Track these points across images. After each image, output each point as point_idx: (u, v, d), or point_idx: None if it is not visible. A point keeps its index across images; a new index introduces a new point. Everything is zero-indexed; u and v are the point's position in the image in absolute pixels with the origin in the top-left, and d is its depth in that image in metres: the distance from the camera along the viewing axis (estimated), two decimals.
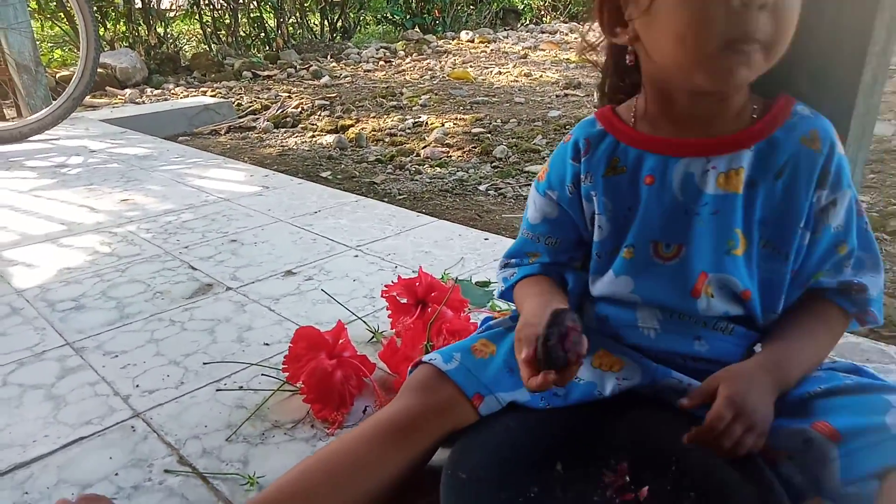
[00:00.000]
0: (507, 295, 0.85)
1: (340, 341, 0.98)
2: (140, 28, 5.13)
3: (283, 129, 3.51)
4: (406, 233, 1.62)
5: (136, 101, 3.99)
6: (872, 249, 0.72)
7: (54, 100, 2.88)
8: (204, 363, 1.05)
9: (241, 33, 5.76)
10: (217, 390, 0.98)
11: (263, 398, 0.95)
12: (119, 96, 4.11)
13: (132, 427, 0.91)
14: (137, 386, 1.00)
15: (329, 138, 3.24)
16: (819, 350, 0.72)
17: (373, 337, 1.12)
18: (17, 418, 0.93)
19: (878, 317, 0.73)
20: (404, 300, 1.10)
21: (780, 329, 0.72)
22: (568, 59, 4.98)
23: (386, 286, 1.14)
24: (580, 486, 0.72)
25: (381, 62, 5.09)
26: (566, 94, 3.83)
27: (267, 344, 1.11)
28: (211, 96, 4.05)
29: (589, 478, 0.73)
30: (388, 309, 1.11)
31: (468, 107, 3.68)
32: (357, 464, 0.68)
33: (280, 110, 3.76)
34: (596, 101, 0.83)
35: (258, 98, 4.06)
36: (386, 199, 2.40)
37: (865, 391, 0.65)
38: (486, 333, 0.82)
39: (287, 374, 0.95)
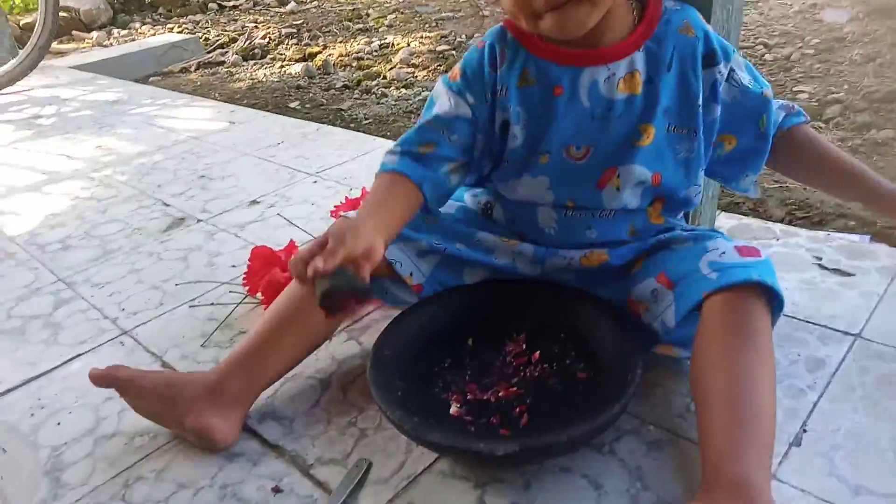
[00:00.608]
0: (378, 176, 0.83)
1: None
2: None
3: (252, 61, 3.53)
4: (362, 157, 1.73)
5: (104, 43, 3.98)
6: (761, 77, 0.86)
7: (21, 49, 2.91)
8: (176, 284, 1.20)
9: None
10: (191, 307, 1.14)
11: (230, 310, 1.10)
12: (86, 40, 4.09)
13: (121, 342, 1.07)
14: (123, 309, 1.16)
15: (297, 67, 3.27)
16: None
17: None
18: (23, 343, 1.09)
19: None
20: None
21: (834, 156, 0.85)
22: None
23: (335, 206, 1.27)
24: (486, 355, 0.88)
25: None
26: None
27: (234, 266, 1.26)
28: (178, 33, 4.03)
29: (493, 348, 0.89)
30: None
31: (434, 24, 3.68)
32: (293, 317, 0.84)
33: (248, 42, 3.76)
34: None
35: (225, 31, 4.04)
36: (352, 125, 2.49)
37: (695, 240, 0.80)
38: None
39: (247, 288, 1.10)
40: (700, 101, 0.79)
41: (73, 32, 4.18)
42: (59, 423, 0.90)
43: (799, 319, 0.94)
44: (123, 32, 4.22)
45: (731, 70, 0.80)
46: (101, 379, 0.82)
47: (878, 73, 2.30)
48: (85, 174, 1.81)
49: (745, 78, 0.82)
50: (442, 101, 0.84)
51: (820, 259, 1.07)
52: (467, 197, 0.97)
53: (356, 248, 0.67)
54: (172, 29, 4.18)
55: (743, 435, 0.64)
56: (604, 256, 0.85)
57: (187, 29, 4.16)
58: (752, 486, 0.61)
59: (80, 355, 1.05)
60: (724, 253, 0.74)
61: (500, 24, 0.84)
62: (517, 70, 0.81)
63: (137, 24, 4.40)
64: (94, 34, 4.14)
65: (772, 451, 0.65)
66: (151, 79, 3.37)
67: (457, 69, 0.85)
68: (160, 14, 4.65)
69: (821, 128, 2.01)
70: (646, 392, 0.83)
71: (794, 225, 1.53)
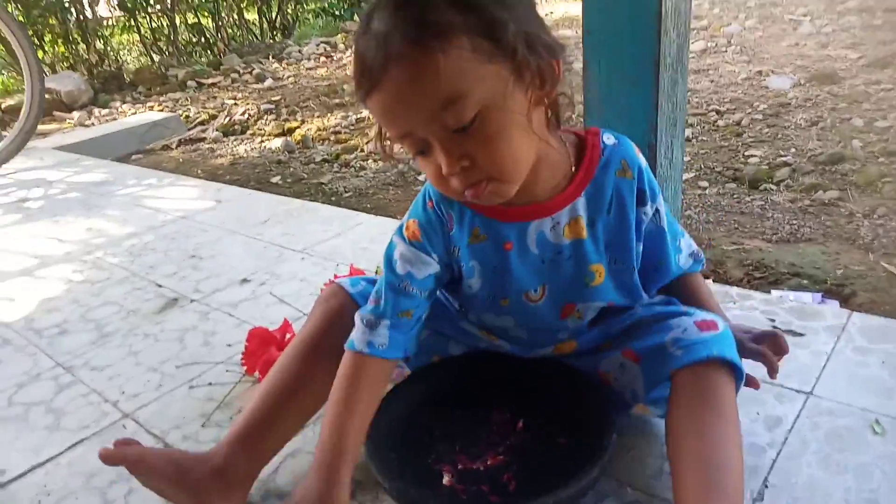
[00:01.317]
0: (353, 354, 0.85)
1: (287, 335, 1.19)
2: (79, 46, 5.17)
3: (233, 137, 3.65)
4: (346, 232, 1.82)
5: (86, 123, 4.08)
6: (676, 222, 0.93)
7: (5, 133, 2.99)
8: (176, 366, 1.25)
9: (182, 41, 5.81)
10: (190, 388, 1.19)
11: (229, 390, 1.16)
12: (68, 120, 4.19)
13: (123, 425, 1.11)
14: (123, 392, 1.20)
15: (277, 142, 3.40)
16: (715, 304, 0.94)
17: None
18: (27, 429, 1.13)
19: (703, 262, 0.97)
20: None
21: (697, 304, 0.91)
22: None
23: (325, 284, 1.35)
24: (473, 425, 0.95)
25: (322, 58, 5.21)
26: None
27: (229, 345, 1.32)
28: (158, 111, 4.16)
29: (480, 418, 0.96)
30: None
31: None
32: (288, 380, 0.91)
33: (227, 118, 3.89)
34: None
35: (205, 108, 4.18)
36: (333, 199, 2.59)
37: (657, 320, 0.88)
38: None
39: (245, 367, 1.16)
40: (634, 236, 0.84)
41: (55, 113, 4.28)
42: None
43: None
44: (104, 112, 4.34)
45: (657, 210, 0.86)
46: (111, 458, 0.87)
47: (822, 136, 2.49)
48: (77, 257, 1.87)
49: (663, 220, 0.86)
50: (407, 259, 0.85)
51: (773, 320, 1.18)
52: (440, 296, 1.00)
53: None
54: (153, 107, 4.30)
55: (714, 495, 0.71)
56: (573, 345, 0.94)
57: (167, 107, 4.29)
58: None
59: (83, 440, 1.09)
60: (685, 330, 0.81)
61: None
62: (467, 229, 0.83)
63: (118, 104, 4.52)
64: (76, 114, 4.24)
65: None
66: (134, 157, 3.46)
67: (414, 227, 0.84)
68: (140, 93, 4.79)
69: (772, 189, 2.16)
70: (622, 454, 0.90)
71: (751, 284, 1.65)
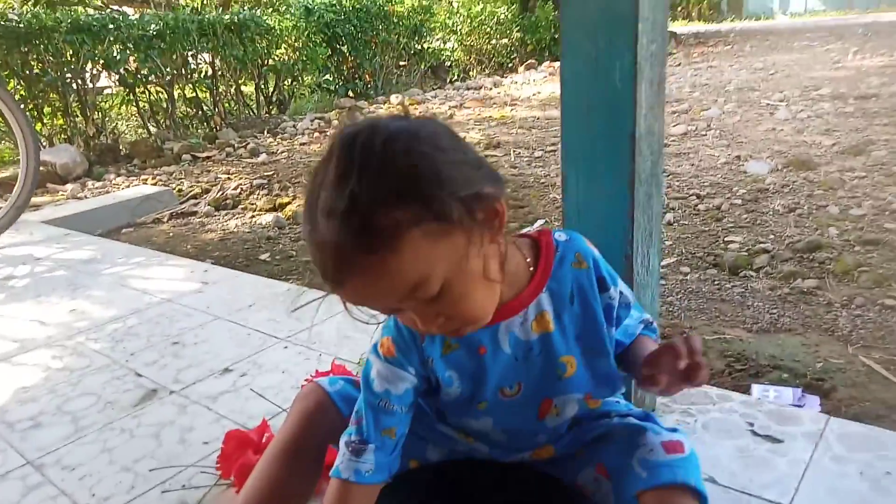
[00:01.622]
0: (339, 482, 0.86)
1: (265, 436, 1.18)
2: (77, 119, 5.29)
3: (224, 211, 3.69)
4: (330, 319, 1.83)
5: (78, 195, 4.13)
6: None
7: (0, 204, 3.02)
8: (150, 469, 1.23)
9: (179, 114, 5.96)
10: (163, 491, 1.16)
11: (202, 494, 1.14)
12: (60, 192, 4.24)
13: None
14: (94, 495, 1.17)
15: (268, 217, 3.44)
16: None
17: None
18: None
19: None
20: None
21: (637, 356, 0.89)
22: (490, 116, 5.33)
23: (305, 381, 1.35)
24: None
25: (316, 133, 5.34)
26: (486, 155, 4.13)
27: (206, 443, 1.30)
28: (152, 184, 4.21)
29: None
30: None
31: None
32: (265, 486, 0.91)
33: (220, 193, 3.95)
34: None
35: (198, 181, 4.24)
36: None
37: (629, 433, 0.88)
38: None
39: (220, 471, 1.14)
40: (603, 322, 0.87)
41: (48, 185, 4.33)
42: None
43: (736, 490, 1.02)
44: (98, 184, 4.39)
45: (620, 293, 0.89)
46: None
47: (799, 224, 2.56)
48: (58, 342, 1.86)
49: (625, 300, 0.89)
50: (384, 377, 0.87)
51: (752, 425, 1.18)
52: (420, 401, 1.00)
53: None
54: (146, 180, 4.36)
55: None
56: (550, 450, 0.94)
57: (161, 180, 4.35)
58: None
59: None
60: (652, 450, 0.83)
61: None
62: (438, 341, 0.85)
63: (112, 176, 4.58)
64: (69, 186, 4.29)
65: None
66: (124, 230, 3.49)
67: (388, 344, 0.86)
68: (135, 165, 4.87)
69: (751, 276, 2.20)
70: None
71: (732, 376, 1.66)
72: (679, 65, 6.80)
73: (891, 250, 2.25)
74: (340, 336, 1.72)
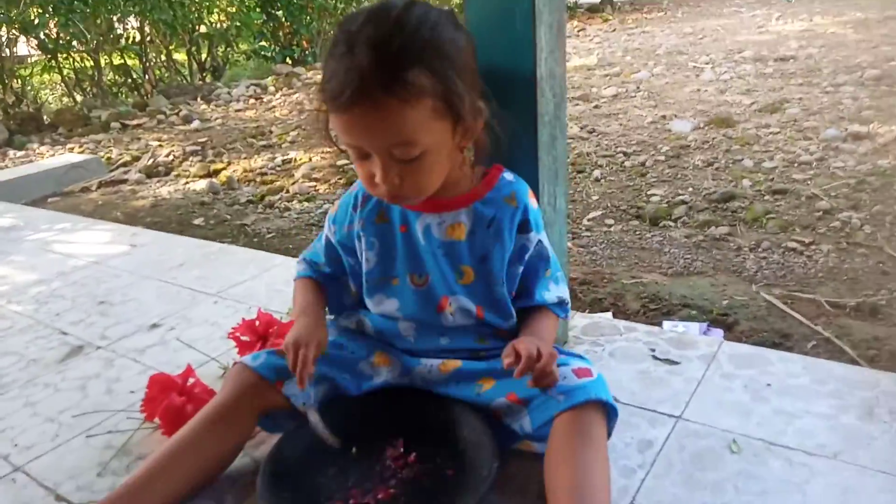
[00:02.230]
0: (295, 282, 1.13)
1: (190, 380, 1.20)
2: None
3: (156, 179, 3.61)
4: (262, 275, 1.84)
5: None
6: (561, 269, 1.04)
7: None
8: (73, 416, 1.24)
9: (107, 82, 5.72)
10: (87, 437, 1.18)
11: (127, 437, 1.16)
12: None
13: (13, 479, 1.09)
14: (16, 445, 1.18)
15: (201, 184, 3.38)
16: (550, 338, 1.00)
17: (224, 373, 1.35)
18: None
19: (569, 315, 1.07)
20: (247, 338, 1.33)
21: (527, 328, 1.00)
22: None
23: (232, 328, 1.37)
24: (368, 461, 0.99)
25: (252, 100, 5.23)
26: None
27: (132, 392, 1.31)
28: (79, 153, 4.07)
29: (375, 454, 1.00)
30: (236, 347, 1.34)
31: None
32: (189, 445, 0.96)
33: (151, 160, 3.85)
34: None
35: (128, 149, 4.11)
36: (255, 240, 2.60)
37: None
38: None
39: (145, 414, 1.16)
40: (507, 257, 0.98)
41: None
42: None
43: (634, 406, 1.11)
44: (20, 154, 4.20)
45: (539, 241, 1.00)
46: None
47: (716, 176, 2.70)
48: None
49: (546, 253, 1.01)
50: (325, 230, 1.10)
51: (654, 350, 1.27)
52: (341, 320, 1.13)
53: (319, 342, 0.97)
54: (73, 149, 4.20)
55: None
56: (457, 364, 1.01)
57: (88, 149, 4.20)
58: None
59: None
60: (565, 378, 0.91)
61: None
62: (375, 210, 1.02)
63: (35, 145, 4.39)
64: None
65: None
66: (50, 200, 3.37)
67: (336, 205, 1.08)
68: (60, 134, 4.67)
69: (670, 226, 2.32)
70: (505, 484, 0.95)
71: (647, 315, 1.77)
72: (614, 31, 6.92)
73: (796, 198, 2.41)
74: (271, 290, 1.74)
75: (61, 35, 5.24)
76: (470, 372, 1.00)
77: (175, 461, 0.94)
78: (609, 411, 0.91)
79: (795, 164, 2.71)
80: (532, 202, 1.00)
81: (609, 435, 0.91)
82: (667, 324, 1.67)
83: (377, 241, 1.02)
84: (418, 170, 0.86)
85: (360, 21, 0.82)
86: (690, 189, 2.58)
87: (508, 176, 1.01)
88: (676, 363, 1.23)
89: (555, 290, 1.02)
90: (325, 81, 0.83)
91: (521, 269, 0.99)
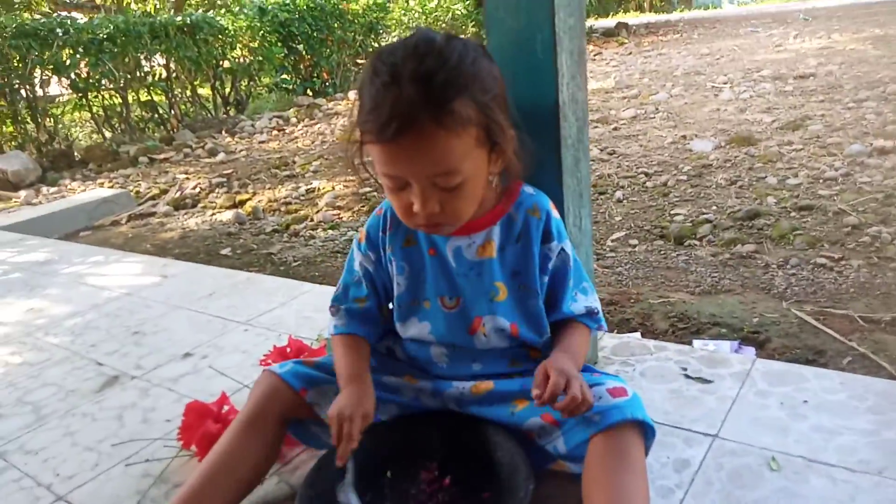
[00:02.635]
0: (332, 338, 1.08)
1: (225, 408, 1.22)
2: (28, 126, 5.18)
3: (184, 211, 3.69)
4: (290, 302, 1.87)
5: (32, 202, 4.06)
6: (589, 280, 1.04)
7: None
8: (112, 445, 1.26)
9: (134, 118, 5.88)
10: (126, 465, 1.19)
11: (165, 465, 1.17)
12: (14, 199, 4.16)
13: None
14: (58, 474, 1.20)
15: (228, 214, 3.45)
16: (583, 350, 1.00)
17: None
18: None
19: (604, 326, 1.06)
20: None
21: (558, 343, 1.00)
22: None
23: (264, 355, 1.39)
24: (404, 485, 0.99)
25: (275, 131, 5.34)
26: None
27: (168, 420, 1.33)
28: (108, 187, 4.18)
29: (410, 477, 1.00)
30: None
31: None
32: (221, 460, 0.98)
33: (179, 193, 3.93)
34: None
35: (156, 183, 4.21)
36: (282, 268, 2.64)
37: None
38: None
39: (182, 442, 1.18)
40: (537, 266, 0.98)
41: (0, 192, 4.25)
42: None
43: (668, 426, 1.10)
44: (53, 190, 4.33)
45: (562, 250, 1.00)
46: None
47: (739, 195, 2.68)
48: (16, 339, 1.86)
49: (570, 262, 1.00)
50: (355, 260, 1.08)
51: (685, 369, 1.26)
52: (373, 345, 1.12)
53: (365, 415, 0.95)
54: (103, 184, 4.32)
55: None
56: (490, 385, 1.01)
57: (118, 183, 4.31)
58: None
59: None
60: (600, 398, 0.90)
61: None
62: (402, 233, 1.02)
63: (67, 181, 4.52)
64: (23, 193, 4.22)
65: None
66: (82, 234, 3.46)
67: (363, 232, 1.07)
68: (90, 169, 4.81)
69: (695, 245, 2.31)
70: (541, 503, 0.95)
71: (675, 334, 1.75)
72: (630, 53, 6.96)
73: (823, 214, 2.38)
74: (300, 317, 1.76)
75: (91, 74, 5.42)
76: (503, 393, 1.00)
77: (210, 480, 0.96)
78: (646, 430, 0.90)
79: (821, 181, 2.69)
80: (554, 212, 1.01)
81: (646, 454, 0.91)
82: (697, 342, 1.65)
83: (406, 265, 1.03)
84: (458, 197, 0.87)
85: (403, 53, 0.83)
86: (714, 208, 2.57)
87: (529, 189, 1.02)
88: (709, 381, 1.22)
89: (583, 301, 1.02)
90: (366, 112, 0.84)
91: (545, 279, 0.99)
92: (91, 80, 5.48)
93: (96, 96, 5.63)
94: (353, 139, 0.89)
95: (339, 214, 3.24)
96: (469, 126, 0.83)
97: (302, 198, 3.58)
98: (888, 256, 2.03)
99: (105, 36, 5.35)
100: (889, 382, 1.19)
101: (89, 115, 5.75)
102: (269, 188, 3.80)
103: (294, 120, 5.66)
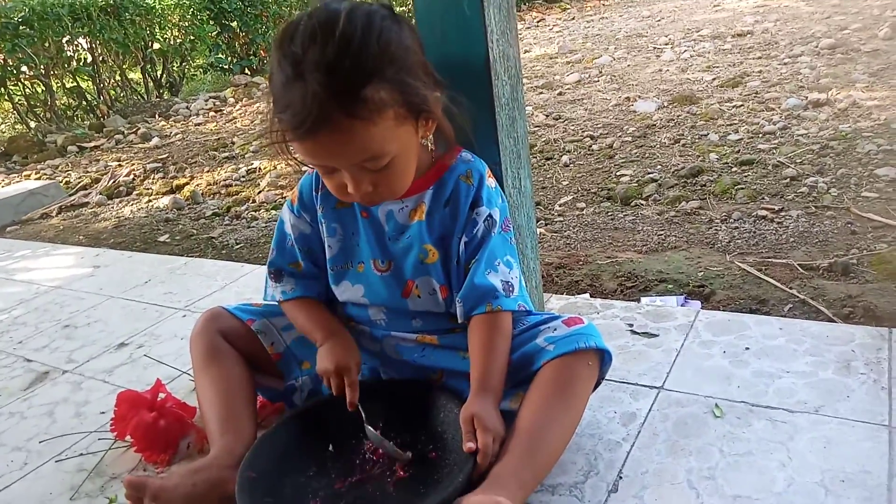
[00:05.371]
0: (283, 304, 1.08)
1: (161, 395, 1.16)
2: None
3: (118, 200, 3.52)
4: (230, 285, 1.80)
5: None
6: (513, 251, 0.98)
7: None
8: (40, 441, 1.19)
9: (60, 106, 5.58)
10: (57, 461, 1.13)
11: (100, 458, 1.11)
12: None
13: None
14: None
15: (165, 200, 3.31)
16: (502, 356, 0.92)
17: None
18: None
19: (528, 306, 0.96)
20: None
21: (474, 367, 0.92)
22: None
23: None
24: (347, 456, 0.96)
25: (212, 112, 5.14)
26: None
27: (103, 412, 1.26)
28: (35, 179, 3.96)
29: (353, 448, 0.97)
30: None
31: None
32: (208, 391, 1.03)
33: (111, 181, 3.75)
34: None
35: (87, 172, 4.01)
36: (223, 252, 2.55)
37: (529, 329, 0.96)
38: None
39: (115, 433, 1.12)
40: (461, 234, 0.95)
41: None
42: None
43: (615, 381, 1.10)
44: None
45: (489, 216, 0.95)
46: (134, 484, 0.87)
47: (683, 153, 2.71)
48: None
49: (494, 229, 0.95)
50: (286, 223, 1.06)
51: (631, 325, 1.26)
52: None
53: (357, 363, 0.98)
54: (29, 176, 4.09)
55: (525, 461, 0.81)
56: (434, 339, 1.01)
57: (45, 174, 4.09)
58: (507, 496, 0.76)
59: None
60: (555, 329, 0.91)
61: None
62: (333, 196, 0.96)
63: None
64: None
65: (540, 481, 0.84)
66: (9, 229, 3.27)
67: (295, 192, 1.04)
68: (14, 162, 4.55)
69: (641, 205, 2.32)
70: None
71: (624, 293, 1.76)
72: (573, 19, 6.95)
73: (763, 168, 2.42)
74: (241, 299, 1.69)
75: (8, 61, 5.10)
76: (448, 346, 1.00)
77: (231, 393, 1.02)
78: (603, 356, 0.91)
79: (760, 135, 2.73)
80: (489, 179, 0.99)
81: (602, 379, 0.93)
82: (644, 299, 1.66)
83: (339, 227, 1.01)
84: (390, 174, 0.86)
85: (303, 40, 0.76)
86: (659, 167, 2.59)
87: (466, 155, 1.00)
88: (655, 336, 1.22)
89: (501, 274, 0.94)
90: (279, 108, 0.80)
91: (464, 241, 0.95)
92: (9, 68, 5.15)
93: (16, 84, 5.30)
94: (273, 129, 0.84)
95: (281, 194, 3.14)
96: (385, 109, 0.79)
97: (243, 179, 3.46)
98: (824, 205, 2.08)
99: (20, 19, 5.02)
100: (825, 325, 1.22)
101: (10, 105, 5.42)
102: (208, 171, 3.66)
103: (232, 100, 5.46)
